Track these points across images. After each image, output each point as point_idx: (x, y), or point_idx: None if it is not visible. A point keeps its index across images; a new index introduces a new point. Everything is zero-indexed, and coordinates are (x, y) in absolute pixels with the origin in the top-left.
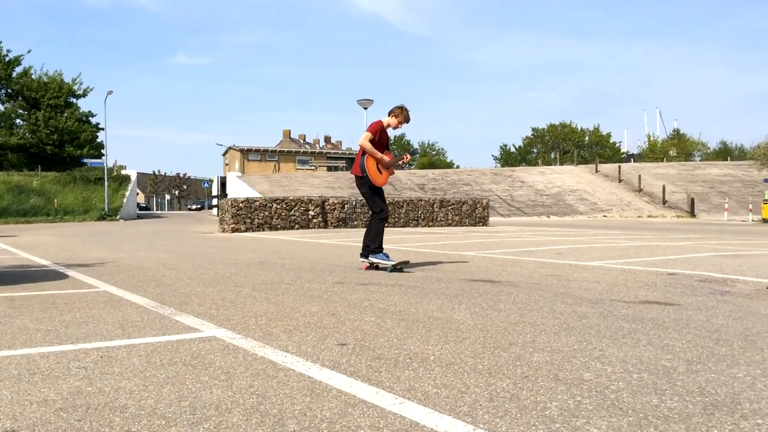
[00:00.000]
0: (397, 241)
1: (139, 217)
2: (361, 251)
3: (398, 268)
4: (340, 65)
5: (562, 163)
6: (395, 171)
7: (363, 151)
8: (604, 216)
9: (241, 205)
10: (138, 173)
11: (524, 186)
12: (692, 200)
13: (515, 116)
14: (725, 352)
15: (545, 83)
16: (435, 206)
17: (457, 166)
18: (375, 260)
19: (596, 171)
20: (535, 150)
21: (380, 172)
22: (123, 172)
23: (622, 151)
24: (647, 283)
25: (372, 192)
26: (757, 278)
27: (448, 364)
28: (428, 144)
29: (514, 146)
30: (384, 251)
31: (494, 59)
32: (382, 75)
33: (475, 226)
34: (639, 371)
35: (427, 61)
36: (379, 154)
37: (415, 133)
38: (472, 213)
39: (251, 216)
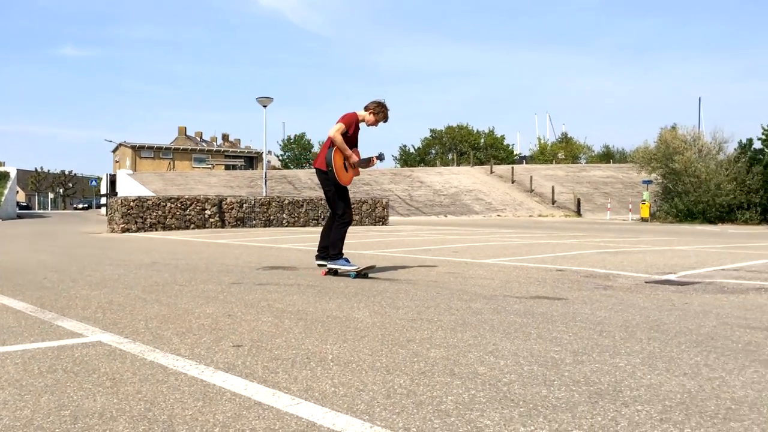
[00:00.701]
0: (296, 240)
1: (19, 216)
2: (317, 253)
3: (363, 273)
4: (239, 63)
5: (459, 164)
6: (360, 173)
7: (330, 144)
8: (499, 215)
9: (132, 204)
10: (18, 170)
11: (423, 186)
12: (578, 200)
13: (415, 118)
14: (608, 343)
15: (444, 86)
16: None
17: None
18: (335, 266)
19: (491, 172)
20: (433, 151)
21: (346, 170)
22: (1, 168)
23: (515, 153)
24: (538, 279)
25: (336, 191)
26: (636, 273)
27: (346, 363)
28: None
29: (414, 147)
30: (344, 256)
31: (395, 61)
32: (282, 73)
33: (375, 225)
34: (530, 363)
35: (329, 60)
36: (348, 151)
37: (315, 132)
38: (372, 212)
39: (143, 215)
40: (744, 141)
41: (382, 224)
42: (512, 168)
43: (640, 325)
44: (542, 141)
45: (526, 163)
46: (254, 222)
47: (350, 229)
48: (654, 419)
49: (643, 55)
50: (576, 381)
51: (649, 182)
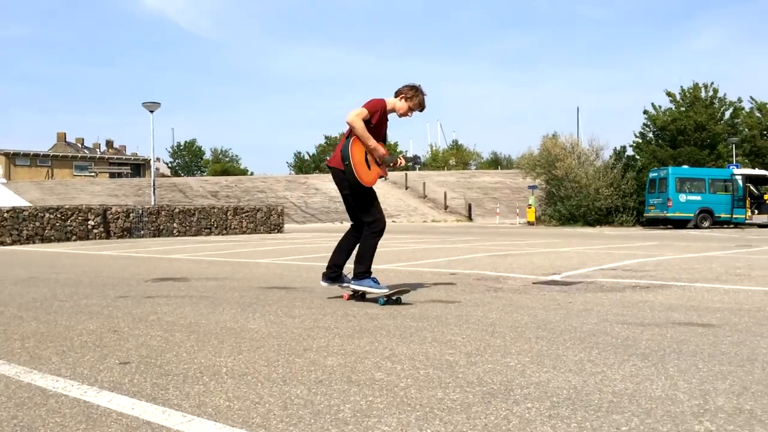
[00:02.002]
0: (188, 250)
1: None
2: (326, 272)
3: (394, 298)
4: (122, 65)
5: None
6: (387, 173)
7: (349, 133)
8: (394, 221)
9: (5, 215)
10: None
11: (318, 193)
12: (470, 206)
13: (309, 124)
14: (499, 343)
15: (338, 92)
16: (229, 214)
17: (252, 173)
18: (361, 288)
19: (385, 178)
20: (328, 157)
21: (368, 167)
22: None
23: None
24: (432, 283)
25: (357, 194)
26: (524, 275)
27: (241, 375)
28: (221, 150)
29: (308, 154)
30: (373, 275)
31: (286, 67)
32: (170, 78)
33: (270, 233)
34: (425, 367)
35: (218, 65)
36: (372, 141)
37: (206, 139)
38: (267, 220)
39: (18, 227)
40: (618, 148)
41: (278, 232)
42: (405, 174)
43: (529, 325)
44: (434, 148)
45: (419, 169)
46: (142, 232)
47: (244, 237)
48: (543, 415)
49: (527, 64)
50: (470, 382)
51: (534, 187)
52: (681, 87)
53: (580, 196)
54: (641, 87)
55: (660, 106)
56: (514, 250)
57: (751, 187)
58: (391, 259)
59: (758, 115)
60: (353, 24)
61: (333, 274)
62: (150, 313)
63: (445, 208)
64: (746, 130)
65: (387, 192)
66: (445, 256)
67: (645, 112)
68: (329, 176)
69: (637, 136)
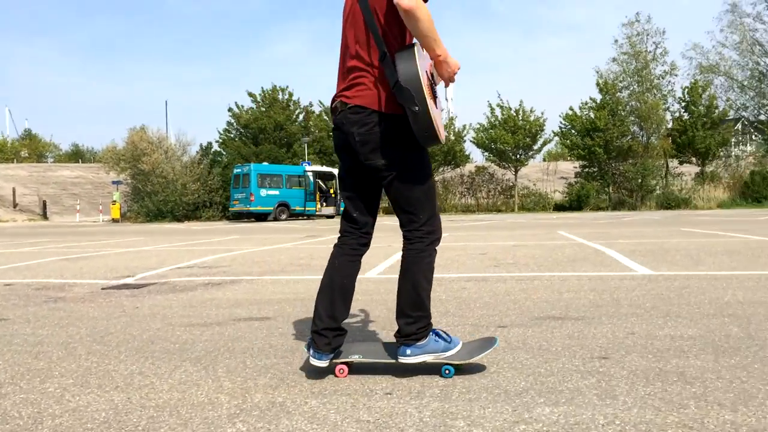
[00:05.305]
0: None
1: None
2: (319, 340)
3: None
4: None
5: None
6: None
7: (392, 33)
8: None
9: None
10: None
11: None
12: (44, 203)
13: None
14: (43, 366)
15: None
16: None
17: None
18: (425, 356)
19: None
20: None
21: (435, 102)
22: None
23: None
24: None
25: (411, 164)
26: (94, 280)
27: None
28: None
29: None
30: (434, 326)
31: None
32: None
33: None
34: None
35: None
36: (444, 49)
37: None
38: None
39: None
40: (205, 144)
41: None
42: None
43: (84, 339)
44: (2, 138)
45: None
46: None
47: None
48: None
49: (115, 54)
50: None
51: (119, 183)
52: (262, 88)
53: (168, 191)
54: (228, 85)
55: (243, 105)
56: (91, 251)
57: (321, 183)
58: None
59: (326, 118)
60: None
61: (335, 339)
62: None
63: (15, 206)
64: (317, 131)
65: None
66: (4, 263)
67: (230, 109)
68: None
69: (221, 133)
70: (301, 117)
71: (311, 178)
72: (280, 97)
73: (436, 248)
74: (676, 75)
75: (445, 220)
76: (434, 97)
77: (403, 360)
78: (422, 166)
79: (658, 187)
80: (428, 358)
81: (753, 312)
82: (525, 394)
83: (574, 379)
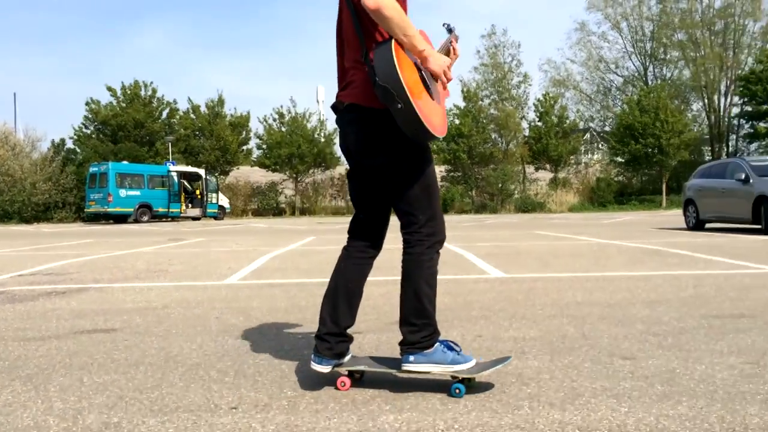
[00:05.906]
0: None
1: None
2: (323, 345)
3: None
4: None
5: None
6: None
7: (375, 30)
8: None
9: None
10: None
11: None
12: None
13: None
14: None
15: None
16: None
17: None
18: (430, 366)
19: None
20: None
21: (430, 94)
22: None
23: None
24: None
25: (408, 160)
26: None
27: None
28: None
29: None
30: (440, 335)
31: None
32: None
33: None
34: None
35: None
36: (422, 41)
37: None
38: None
39: None
40: (58, 140)
41: None
42: None
43: None
44: None
45: None
46: None
47: None
48: None
49: None
50: None
51: None
52: (122, 83)
53: (15, 190)
54: (84, 78)
55: (99, 101)
56: None
57: (186, 183)
58: None
59: (192, 116)
60: None
61: (337, 345)
62: None
63: None
64: (182, 129)
65: None
66: None
67: (87, 104)
68: None
69: (77, 130)
70: (164, 114)
71: (176, 178)
72: (143, 93)
73: (439, 251)
74: (530, 85)
75: (315, 221)
76: (427, 89)
77: (406, 367)
78: (420, 163)
79: (516, 192)
80: (434, 368)
81: (589, 312)
82: (372, 402)
83: (422, 386)
